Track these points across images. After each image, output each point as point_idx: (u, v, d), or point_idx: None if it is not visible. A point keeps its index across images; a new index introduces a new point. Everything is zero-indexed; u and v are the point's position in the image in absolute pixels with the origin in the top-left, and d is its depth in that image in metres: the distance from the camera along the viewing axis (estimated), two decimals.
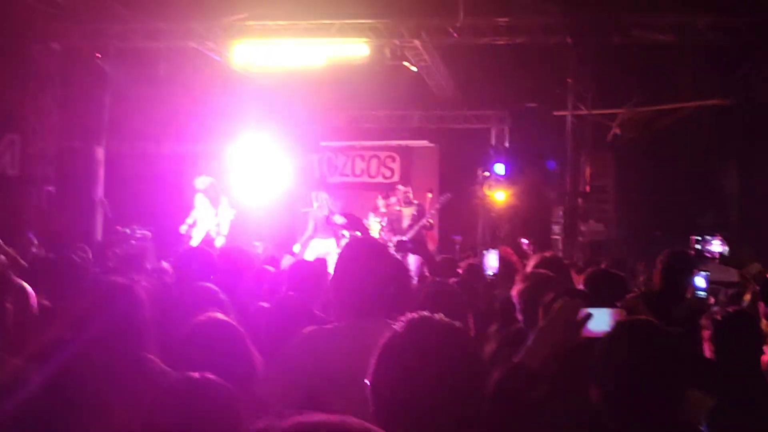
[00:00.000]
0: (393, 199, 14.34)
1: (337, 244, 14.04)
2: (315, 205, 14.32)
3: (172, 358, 3.10)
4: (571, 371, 2.53)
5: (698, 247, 5.24)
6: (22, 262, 6.55)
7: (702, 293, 4.95)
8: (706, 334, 3.88)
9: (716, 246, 5.15)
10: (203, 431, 2.20)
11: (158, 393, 2.29)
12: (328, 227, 13.95)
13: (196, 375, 2.35)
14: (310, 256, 13.46)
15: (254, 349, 3.54)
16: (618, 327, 2.55)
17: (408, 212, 13.72)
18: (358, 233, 12.90)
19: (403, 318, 2.07)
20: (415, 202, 13.81)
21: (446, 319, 2.07)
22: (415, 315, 2.06)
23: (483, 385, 2.02)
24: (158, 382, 2.34)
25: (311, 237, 14.13)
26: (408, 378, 1.94)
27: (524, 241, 13.91)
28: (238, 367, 3.26)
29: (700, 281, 4.97)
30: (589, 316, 2.49)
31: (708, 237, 5.20)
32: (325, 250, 13.77)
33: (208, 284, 4.42)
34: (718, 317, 3.90)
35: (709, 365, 3.70)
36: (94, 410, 2.48)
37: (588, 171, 13.80)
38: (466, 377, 1.95)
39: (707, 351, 3.86)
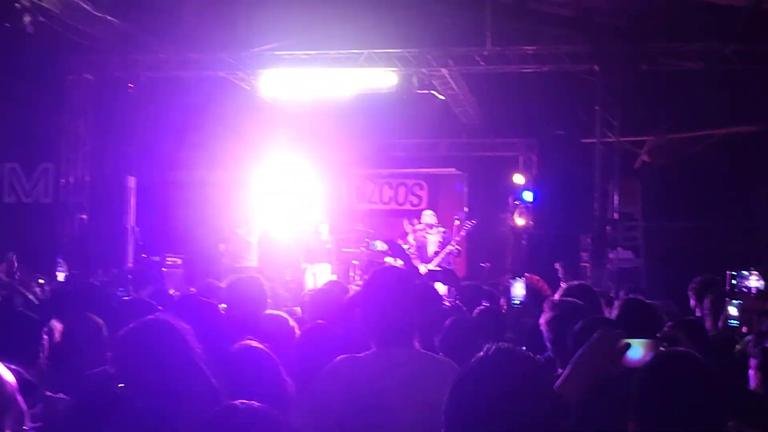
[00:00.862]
0: (419, 226, 14.38)
1: (331, 270, 14.36)
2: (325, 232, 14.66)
3: None
4: (607, 403, 2.49)
5: (734, 282, 5.17)
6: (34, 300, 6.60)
7: (734, 322, 4.91)
8: (753, 362, 3.78)
9: (753, 281, 5.08)
10: None
11: (203, 422, 2.30)
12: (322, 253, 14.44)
13: (241, 403, 2.36)
14: (309, 280, 13.79)
15: (288, 378, 3.58)
16: (658, 358, 2.48)
17: (434, 239, 13.75)
18: (400, 261, 13.00)
19: (485, 348, 2.07)
20: (441, 228, 13.84)
21: (524, 351, 2.08)
22: (493, 345, 2.07)
23: (556, 416, 2.01)
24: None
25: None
26: (485, 406, 1.94)
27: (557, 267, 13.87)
28: (271, 394, 3.30)
29: (732, 310, 4.94)
30: (627, 346, 2.44)
31: (744, 272, 5.13)
32: (322, 275, 14.01)
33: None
34: (766, 345, 3.79)
35: (752, 396, 3.60)
36: None
37: (616, 198, 13.77)
38: (542, 408, 1.95)
39: (754, 380, 3.76)
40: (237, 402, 2.30)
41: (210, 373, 2.75)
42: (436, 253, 13.50)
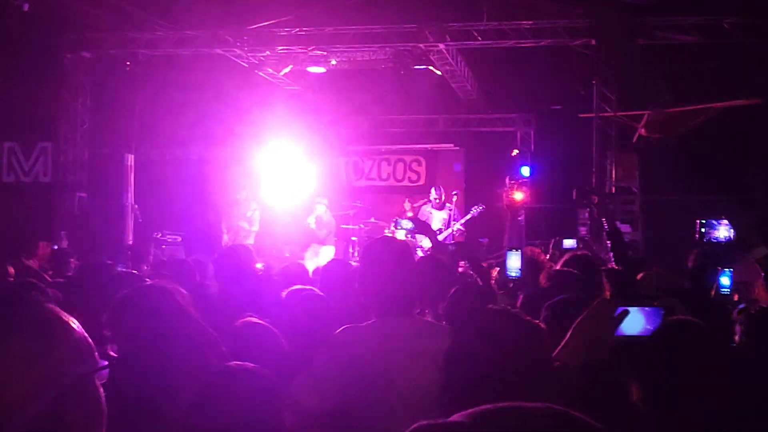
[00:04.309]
0: (422, 202, 14.39)
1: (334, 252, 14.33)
2: None
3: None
4: (606, 369, 2.53)
5: (703, 230, 5.21)
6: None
7: (726, 291, 4.97)
8: (739, 329, 3.82)
9: (722, 231, 5.12)
10: (245, 418, 2.27)
11: (201, 383, 2.36)
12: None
13: (235, 364, 2.42)
14: (311, 260, 13.70)
15: (289, 351, 3.63)
16: (667, 326, 2.48)
17: (441, 216, 13.76)
18: (425, 237, 12.96)
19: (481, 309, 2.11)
20: (449, 205, 13.86)
21: (519, 312, 2.11)
22: (490, 306, 2.10)
23: (547, 366, 2.04)
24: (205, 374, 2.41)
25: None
26: (480, 364, 1.97)
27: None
28: (276, 369, 3.35)
29: (724, 279, 5.01)
30: (626, 313, 2.47)
31: (713, 221, 5.16)
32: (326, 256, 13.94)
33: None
34: (753, 312, 3.84)
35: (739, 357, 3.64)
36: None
37: (613, 172, 13.79)
38: (534, 366, 1.98)
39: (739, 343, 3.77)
40: (232, 363, 2.37)
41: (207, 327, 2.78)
42: (440, 231, 13.52)
